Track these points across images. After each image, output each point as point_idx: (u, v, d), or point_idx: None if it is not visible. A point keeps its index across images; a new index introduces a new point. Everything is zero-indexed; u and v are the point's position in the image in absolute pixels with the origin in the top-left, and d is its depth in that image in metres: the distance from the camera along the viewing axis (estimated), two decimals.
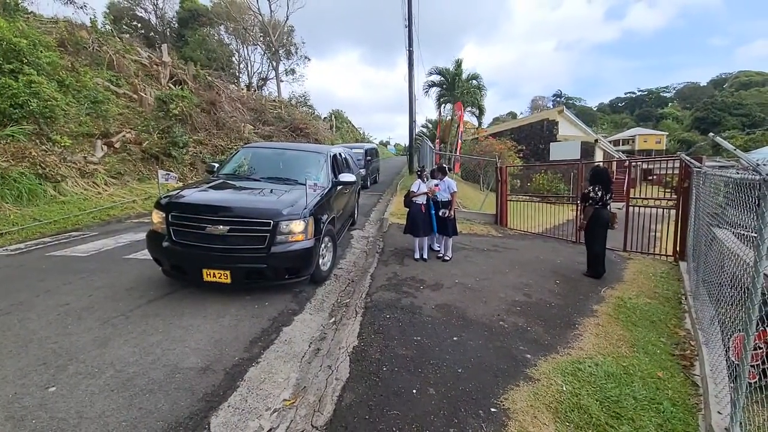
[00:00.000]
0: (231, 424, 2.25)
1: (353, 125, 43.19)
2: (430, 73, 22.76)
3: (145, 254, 4.68)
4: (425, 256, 5.76)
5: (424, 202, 5.67)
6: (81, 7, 15.93)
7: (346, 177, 5.66)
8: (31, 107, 8.49)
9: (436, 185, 5.79)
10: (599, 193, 5.03)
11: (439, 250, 6.07)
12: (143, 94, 13.35)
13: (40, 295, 3.94)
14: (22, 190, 7.47)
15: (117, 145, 10.84)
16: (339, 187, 5.67)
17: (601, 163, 5.90)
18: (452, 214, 5.71)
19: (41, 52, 9.66)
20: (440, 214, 5.66)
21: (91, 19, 15.33)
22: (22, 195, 7.44)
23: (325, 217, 4.59)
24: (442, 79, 22.29)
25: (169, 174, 5.07)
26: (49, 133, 9.06)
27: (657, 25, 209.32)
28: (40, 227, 6.76)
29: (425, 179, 5.84)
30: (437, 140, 20.38)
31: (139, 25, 28.54)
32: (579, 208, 5.51)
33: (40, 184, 7.92)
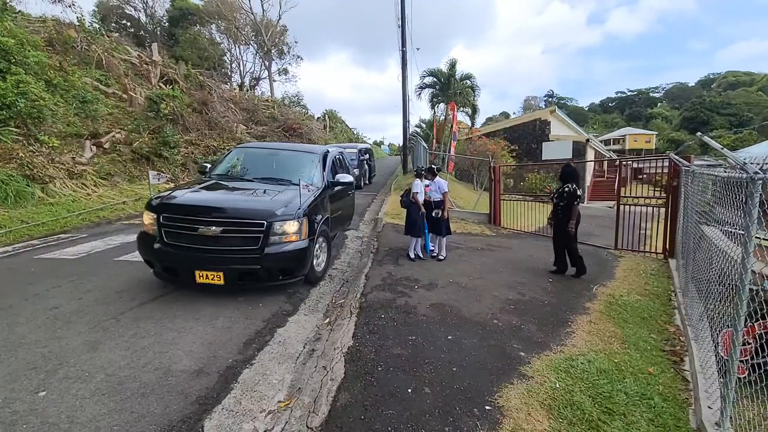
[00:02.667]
0: (225, 426, 2.23)
1: (347, 125, 43.04)
2: (423, 76, 22.88)
3: (135, 256, 4.62)
4: (420, 255, 5.78)
5: (423, 201, 5.69)
6: (69, 6, 15.61)
7: (341, 177, 5.65)
8: (18, 107, 8.34)
9: (427, 186, 5.82)
10: (580, 190, 5.04)
11: (433, 250, 6.09)
12: (133, 94, 13.18)
13: (28, 299, 3.88)
14: (9, 191, 7.33)
15: (106, 146, 10.69)
16: (335, 188, 5.66)
17: (570, 163, 5.77)
18: (445, 213, 5.74)
19: (29, 51, 9.49)
20: (433, 214, 5.68)
21: (78, 17, 15.06)
22: (9, 196, 7.31)
23: (319, 217, 4.57)
24: (435, 80, 22.38)
25: (160, 174, 5.01)
26: (36, 133, 8.91)
27: (639, 28, 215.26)
28: (28, 229, 6.64)
29: (422, 178, 5.87)
30: (433, 140, 20.43)
31: (129, 23, 28.08)
32: (558, 207, 5.22)
33: (28, 185, 7.78)
